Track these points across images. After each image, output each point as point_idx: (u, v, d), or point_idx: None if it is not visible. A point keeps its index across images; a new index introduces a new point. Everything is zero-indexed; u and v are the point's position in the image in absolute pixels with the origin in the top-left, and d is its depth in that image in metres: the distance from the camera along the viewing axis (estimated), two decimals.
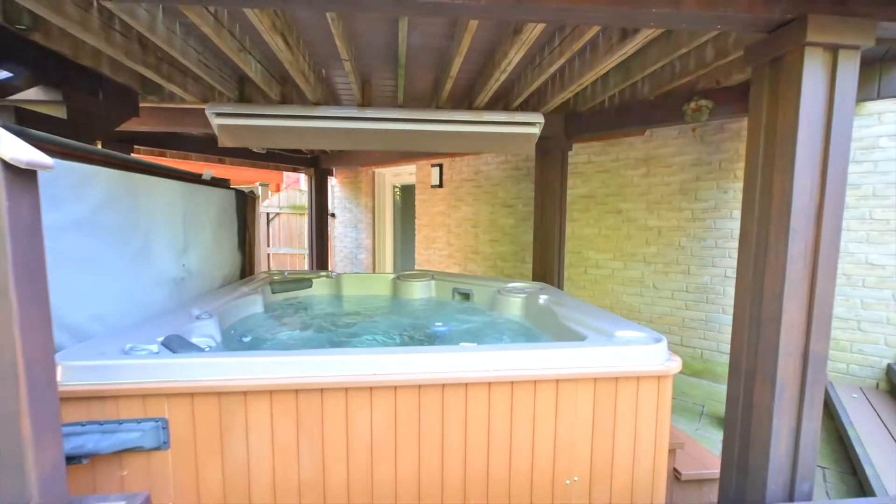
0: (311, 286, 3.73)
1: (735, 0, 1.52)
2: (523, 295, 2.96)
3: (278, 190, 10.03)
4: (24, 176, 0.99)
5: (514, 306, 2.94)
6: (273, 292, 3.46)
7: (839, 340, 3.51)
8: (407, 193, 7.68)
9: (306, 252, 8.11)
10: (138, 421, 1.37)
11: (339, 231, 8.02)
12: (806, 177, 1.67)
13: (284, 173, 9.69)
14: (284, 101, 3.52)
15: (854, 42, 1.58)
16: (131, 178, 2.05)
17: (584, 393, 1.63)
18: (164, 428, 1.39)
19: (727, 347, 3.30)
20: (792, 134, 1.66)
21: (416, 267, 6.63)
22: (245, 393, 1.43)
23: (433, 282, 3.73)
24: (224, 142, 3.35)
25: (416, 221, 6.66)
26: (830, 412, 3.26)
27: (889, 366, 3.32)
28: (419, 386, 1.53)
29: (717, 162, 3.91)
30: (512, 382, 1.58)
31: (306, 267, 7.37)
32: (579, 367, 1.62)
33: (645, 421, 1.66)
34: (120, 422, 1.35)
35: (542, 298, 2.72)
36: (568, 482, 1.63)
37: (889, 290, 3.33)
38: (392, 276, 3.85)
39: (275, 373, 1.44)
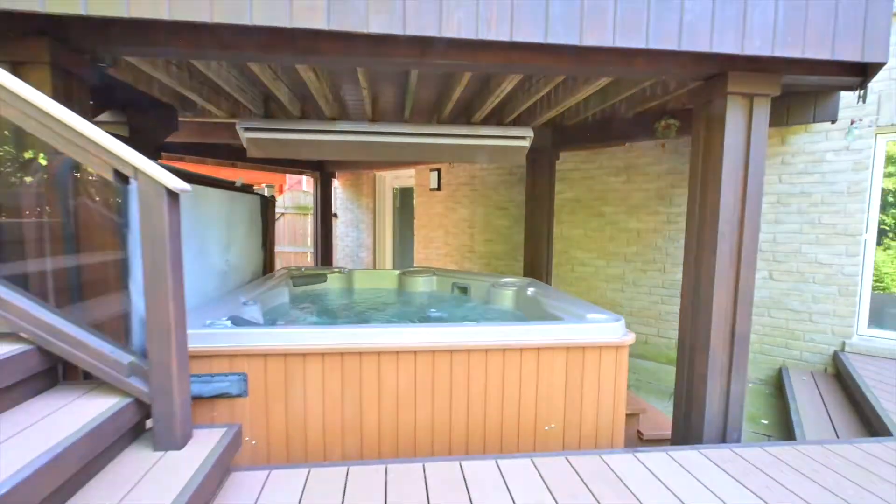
0: (325, 280, 4.19)
1: (672, 61, 2.01)
2: (514, 288, 3.45)
3: (281, 192, 10.43)
4: (174, 197, 1.46)
5: (506, 298, 3.43)
6: (294, 286, 3.91)
7: (794, 331, 4.00)
8: (405, 195, 8.15)
9: (310, 250, 8.57)
10: (226, 375, 1.84)
11: (341, 230, 8.47)
12: (730, 193, 2.16)
13: (287, 175, 10.11)
14: (303, 116, 3.97)
15: (765, 92, 2.08)
16: (195, 189, 2.51)
17: (559, 359, 2.12)
18: (244, 381, 1.86)
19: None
20: (719, 159, 2.15)
21: (415, 264, 7.11)
22: (304, 355, 1.90)
23: (434, 277, 4.21)
24: (252, 153, 3.79)
25: (416, 222, 7.13)
26: (783, 392, 3.74)
27: (835, 353, 3.81)
28: (433, 352, 2.01)
29: (686, 172, 4.41)
30: (504, 350, 2.06)
31: (311, 264, 7.82)
32: (556, 339, 2.10)
33: (606, 381, 2.15)
34: (213, 375, 1.81)
35: (530, 291, 3.20)
36: (547, 428, 2.12)
37: (835, 285, 3.83)
38: (397, 272, 4.33)
39: (326, 340, 1.91)
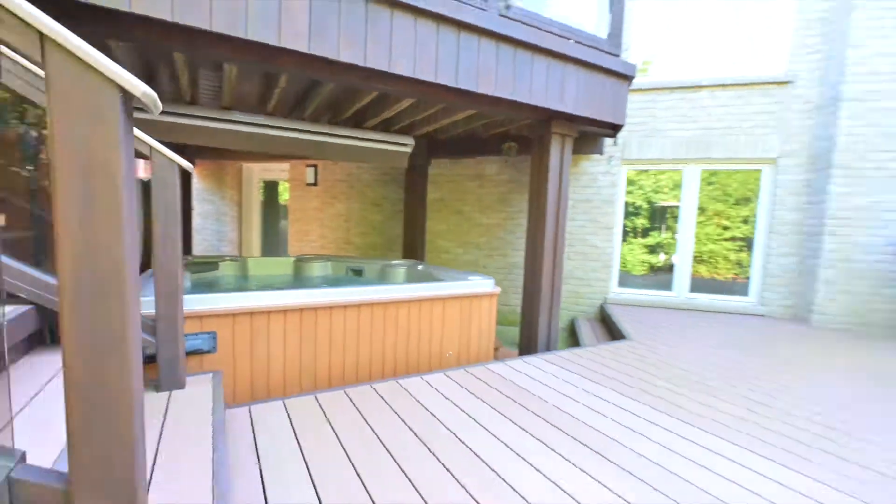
0: (217, 269, 4.23)
1: (525, 107, 3.13)
2: (405, 266, 4.25)
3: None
4: (184, 175, 1.81)
5: (399, 275, 4.20)
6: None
7: (580, 293, 5.83)
8: (271, 189, 8.07)
9: None
10: (197, 334, 2.14)
11: (198, 223, 7.84)
12: (553, 196, 3.42)
13: (141, 161, 8.68)
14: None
15: (571, 134, 3.40)
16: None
17: (455, 306, 3.02)
18: (214, 338, 2.19)
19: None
20: (546, 174, 3.39)
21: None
22: (269, 313, 2.32)
23: (329, 263, 4.68)
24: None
25: (290, 216, 7.24)
26: (574, 332, 5.47)
27: (601, 305, 5.74)
28: (372, 305, 2.67)
29: (523, 181, 5.92)
30: (420, 301, 2.86)
31: None
32: (454, 292, 3.00)
33: (484, 319, 3.16)
34: (186, 335, 2.10)
35: (420, 267, 4.06)
36: (448, 354, 3.00)
37: (601, 262, 5.74)
38: (293, 258, 4.64)
39: (289, 300, 2.37)
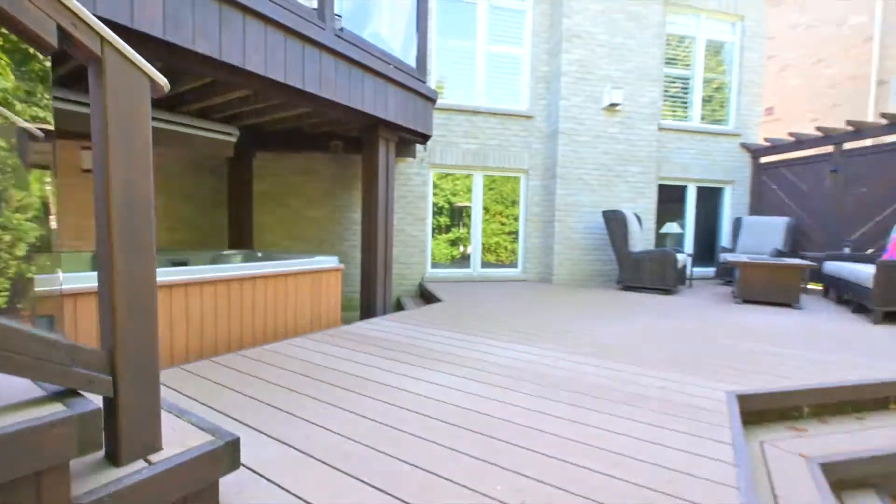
0: None
1: (359, 113, 3.82)
2: (242, 254, 4.34)
3: None
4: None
5: (238, 260, 4.27)
6: None
7: (404, 274, 6.86)
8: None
9: None
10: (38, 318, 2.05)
11: None
12: (381, 189, 4.22)
13: None
14: None
15: (393, 139, 4.28)
16: None
17: (308, 280, 3.48)
18: (52, 322, 2.13)
19: (356, 288, 5.93)
20: (376, 172, 4.17)
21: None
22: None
23: None
24: None
25: (57, 208, 5.87)
26: (401, 306, 6.45)
27: (420, 284, 6.92)
28: (229, 281, 2.91)
29: (348, 177, 6.55)
30: (286, 276, 3.23)
31: None
32: (309, 268, 3.46)
33: (332, 292, 3.71)
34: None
35: (260, 254, 4.25)
36: (301, 324, 3.44)
37: (418, 248, 6.92)
38: (90, 254, 4.06)
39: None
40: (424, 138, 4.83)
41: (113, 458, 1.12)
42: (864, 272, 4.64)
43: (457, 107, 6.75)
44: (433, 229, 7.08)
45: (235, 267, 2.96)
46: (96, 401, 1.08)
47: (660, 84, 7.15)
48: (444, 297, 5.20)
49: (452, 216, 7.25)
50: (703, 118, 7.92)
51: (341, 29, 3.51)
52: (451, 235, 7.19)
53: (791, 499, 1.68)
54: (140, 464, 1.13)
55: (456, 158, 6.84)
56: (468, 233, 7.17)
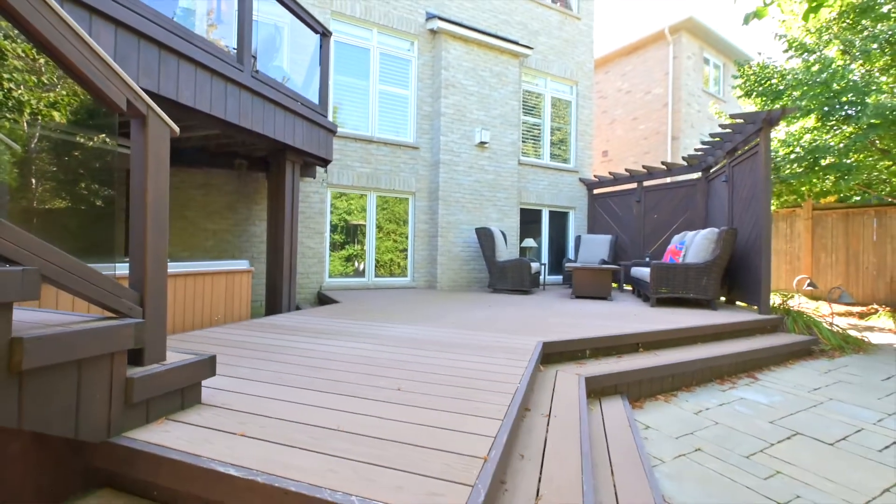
0: None
1: (270, 139, 4.50)
2: None
3: None
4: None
5: None
6: None
7: (302, 283, 7.37)
8: None
9: None
10: None
11: None
12: (288, 206, 4.90)
13: None
14: None
15: (299, 161, 5.01)
16: None
17: (223, 280, 4.00)
18: None
19: (256, 297, 6.32)
20: (283, 190, 4.85)
21: None
22: None
23: None
24: None
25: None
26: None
27: (318, 292, 7.49)
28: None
29: (249, 192, 6.91)
30: (204, 275, 3.70)
31: None
32: (222, 269, 3.98)
33: (244, 290, 4.25)
34: None
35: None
36: (216, 317, 3.93)
37: (317, 258, 7.53)
38: None
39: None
40: (325, 162, 5.62)
41: (138, 361, 1.79)
42: (646, 272, 6.69)
43: (352, 135, 7.66)
44: (331, 245, 7.75)
45: (185, 264, 3.41)
46: None
47: (519, 128, 9.01)
48: (341, 300, 5.94)
49: (348, 233, 8.02)
50: (552, 157, 10.06)
51: (256, 71, 4.21)
52: (346, 251, 7.94)
53: (562, 394, 2.91)
54: (156, 366, 1.82)
55: (352, 180, 7.69)
56: (363, 248, 8.00)
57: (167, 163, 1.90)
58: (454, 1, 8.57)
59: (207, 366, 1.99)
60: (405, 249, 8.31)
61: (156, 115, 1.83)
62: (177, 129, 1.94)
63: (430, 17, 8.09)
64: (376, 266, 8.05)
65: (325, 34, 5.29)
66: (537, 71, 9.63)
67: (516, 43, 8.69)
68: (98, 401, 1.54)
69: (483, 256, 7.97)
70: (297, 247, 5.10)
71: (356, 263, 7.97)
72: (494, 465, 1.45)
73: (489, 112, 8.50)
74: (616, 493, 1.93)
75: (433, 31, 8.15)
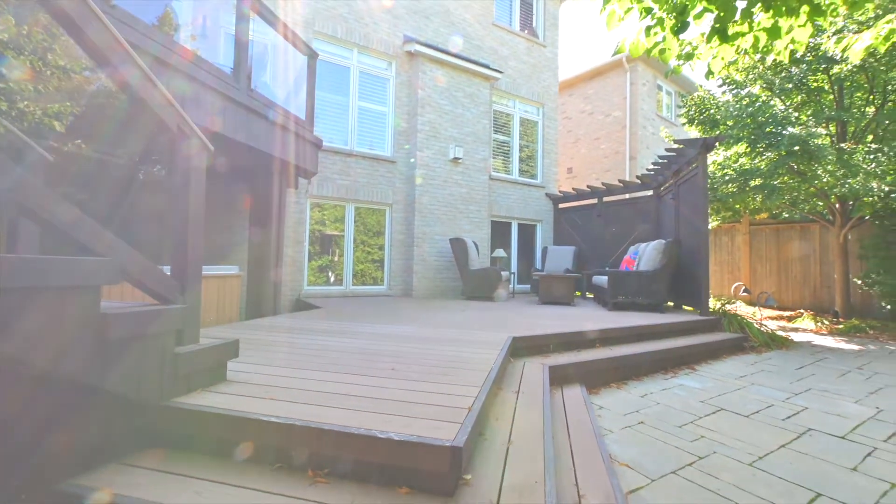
0: None
1: (267, 155, 4.83)
2: None
3: None
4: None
5: None
6: None
7: (283, 291, 7.56)
8: None
9: None
10: None
11: None
12: (276, 216, 5.21)
13: None
14: None
15: (286, 173, 5.33)
16: None
17: (216, 283, 4.26)
18: None
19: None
20: (270, 201, 5.16)
21: None
22: None
23: None
24: None
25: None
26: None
27: (297, 299, 7.72)
28: None
29: (229, 202, 7.10)
30: (205, 278, 3.96)
31: None
32: (215, 273, 4.24)
33: (235, 293, 4.52)
34: None
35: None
36: (209, 319, 4.18)
37: (296, 267, 7.76)
38: None
39: None
40: (310, 174, 5.96)
41: (179, 342, 2.12)
42: (605, 279, 7.36)
43: (332, 148, 8.02)
44: (310, 254, 8.02)
45: None
46: None
47: (490, 145, 9.64)
48: (322, 305, 6.24)
49: (327, 243, 8.30)
50: (521, 173, 10.75)
51: (251, 89, 4.56)
52: (325, 260, 8.22)
53: (529, 378, 3.38)
54: (194, 346, 2.16)
55: (331, 191, 8.02)
56: (342, 257, 8.30)
57: (203, 175, 2.26)
58: (430, 26, 9.17)
59: (232, 348, 2.33)
60: (381, 259, 8.67)
61: (198, 137, 2.20)
62: (212, 148, 2.31)
63: (408, 40, 8.64)
64: (354, 275, 8.36)
65: (312, 56, 5.69)
66: (507, 93, 10.36)
67: (487, 67, 9.37)
68: (155, 370, 1.87)
69: (457, 265, 8.45)
70: (283, 255, 5.40)
71: (334, 272, 8.25)
72: (476, 414, 1.89)
73: (462, 130, 9.08)
74: (571, 448, 2.40)
75: (411, 54, 8.70)
